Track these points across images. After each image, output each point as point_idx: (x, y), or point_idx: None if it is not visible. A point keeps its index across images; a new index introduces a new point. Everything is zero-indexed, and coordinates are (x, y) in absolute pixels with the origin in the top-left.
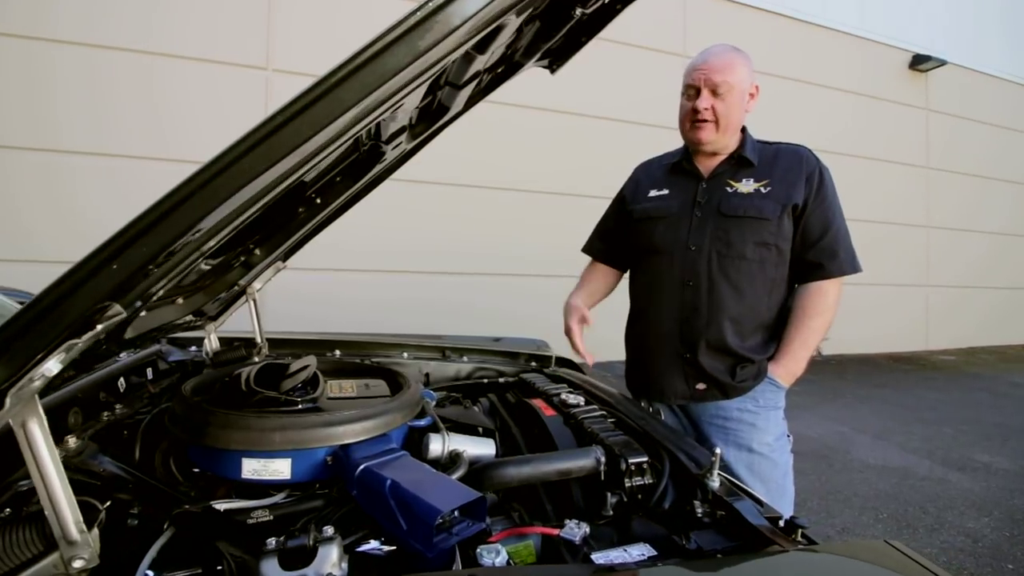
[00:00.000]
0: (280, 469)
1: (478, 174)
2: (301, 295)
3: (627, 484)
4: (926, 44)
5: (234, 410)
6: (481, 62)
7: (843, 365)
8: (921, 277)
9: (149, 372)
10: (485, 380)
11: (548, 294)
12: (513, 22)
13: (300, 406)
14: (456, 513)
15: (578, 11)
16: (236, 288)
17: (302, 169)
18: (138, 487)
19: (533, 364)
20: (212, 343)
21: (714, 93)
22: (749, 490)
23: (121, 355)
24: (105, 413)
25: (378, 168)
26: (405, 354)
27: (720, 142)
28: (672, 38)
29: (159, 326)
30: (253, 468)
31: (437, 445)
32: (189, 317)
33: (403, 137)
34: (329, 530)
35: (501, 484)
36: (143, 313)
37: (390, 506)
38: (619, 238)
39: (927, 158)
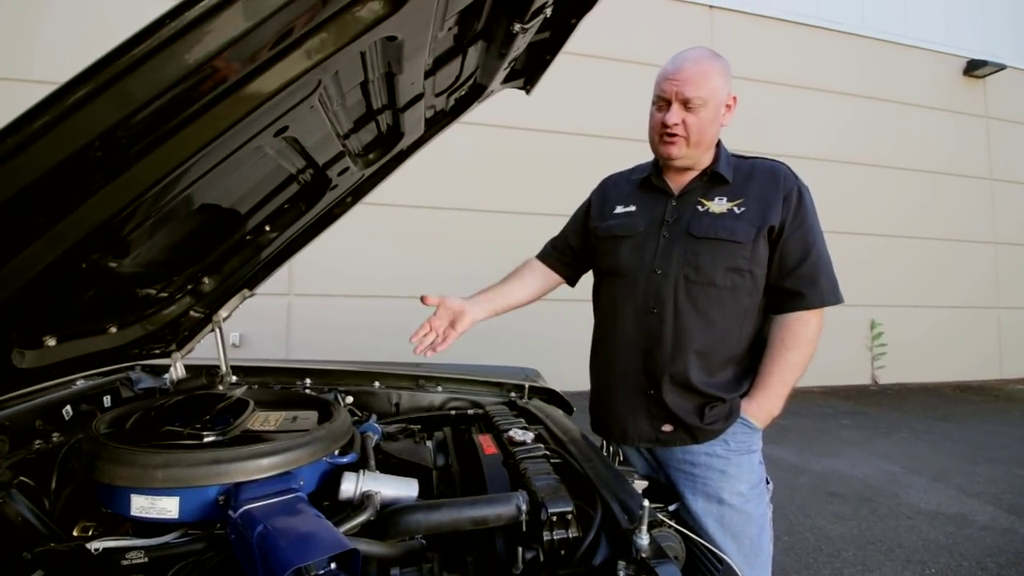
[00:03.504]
0: (167, 508)
1: (504, 201)
2: (327, 323)
3: (546, 537)
4: (981, 49)
5: (140, 443)
6: (412, 83)
7: (902, 395)
8: (991, 298)
9: (107, 400)
10: (453, 412)
11: (575, 318)
12: (415, 40)
13: (206, 440)
14: (333, 566)
15: (516, 26)
16: (193, 315)
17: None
18: (28, 524)
19: (513, 394)
20: (178, 371)
21: (686, 107)
22: (714, 549)
23: (78, 381)
24: (38, 442)
25: (333, 195)
26: (377, 383)
27: (691, 158)
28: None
29: (82, 355)
30: (141, 505)
31: (349, 485)
32: (157, 346)
33: (347, 162)
34: None
35: (407, 531)
36: (50, 342)
37: (254, 555)
38: (576, 253)
39: (990, 169)
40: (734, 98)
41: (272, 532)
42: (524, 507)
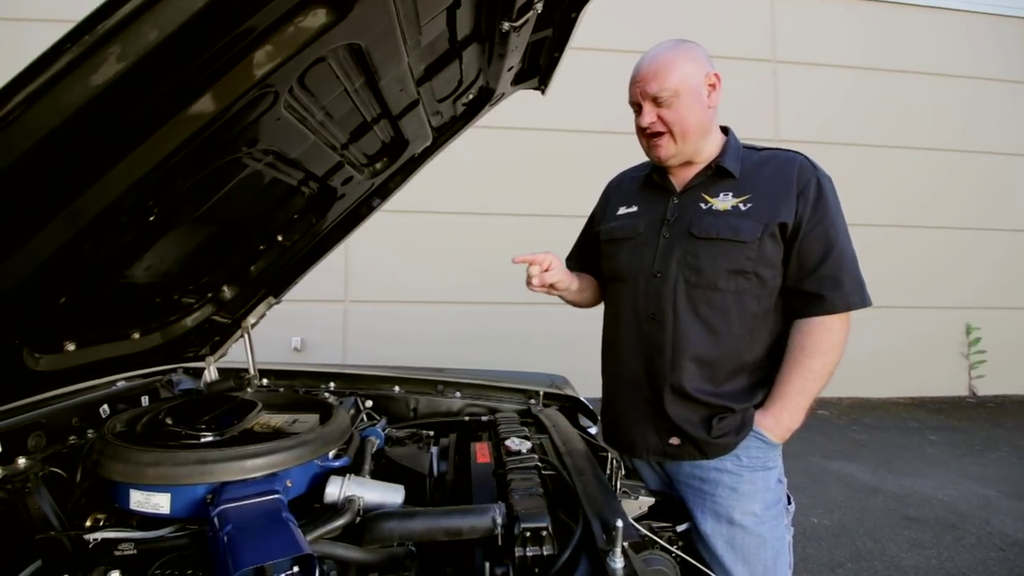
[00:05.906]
0: (160, 503)
1: (561, 204)
2: (380, 328)
3: (518, 553)
4: None
5: (143, 442)
6: (400, 90)
7: (1004, 408)
8: None
9: (144, 400)
10: (467, 418)
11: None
12: (383, 47)
13: (203, 440)
14: (295, 568)
15: (506, 25)
16: (220, 322)
17: None
18: (44, 514)
19: (532, 401)
20: (211, 374)
21: (656, 103)
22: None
23: (119, 382)
24: (72, 437)
25: (344, 204)
26: (397, 387)
27: (685, 153)
28: (761, 44)
29: (104, 360)
30: (138, 500)
31: (334, 489)
32: (190, 351)
33: (350, 172)
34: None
35: (380, 538)
36: (70, 347)
37: (220, 552)
38: (593, 260)
39: None
40: (716, 75)
41: (237, 531)
42: (500, 520)
